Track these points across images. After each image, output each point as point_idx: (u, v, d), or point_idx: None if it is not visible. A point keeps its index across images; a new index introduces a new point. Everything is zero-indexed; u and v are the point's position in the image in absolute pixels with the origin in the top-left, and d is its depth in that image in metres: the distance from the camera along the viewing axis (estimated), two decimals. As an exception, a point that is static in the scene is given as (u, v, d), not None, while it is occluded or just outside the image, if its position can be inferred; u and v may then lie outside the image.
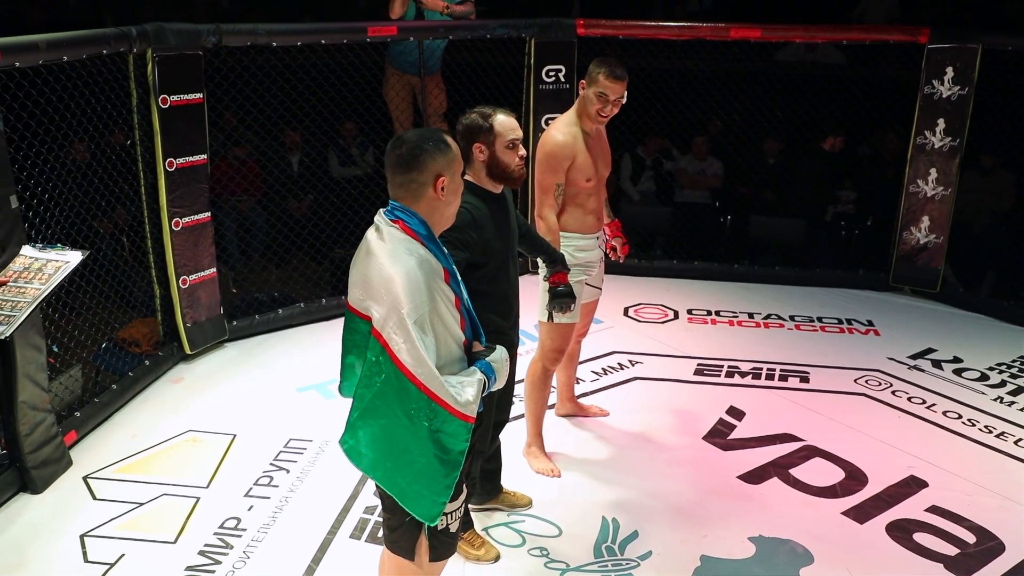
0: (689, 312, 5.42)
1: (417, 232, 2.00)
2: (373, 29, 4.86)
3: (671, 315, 5.35)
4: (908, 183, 5.56)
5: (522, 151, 2.75)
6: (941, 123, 5.34)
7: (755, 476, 3.59)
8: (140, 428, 3.87)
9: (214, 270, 4.61)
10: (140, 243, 4.42)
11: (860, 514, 3.34)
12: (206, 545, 3.08)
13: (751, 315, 5.39)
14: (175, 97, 4.19)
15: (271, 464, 3.60)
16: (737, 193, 6.75)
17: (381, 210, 2.08)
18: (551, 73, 5.56)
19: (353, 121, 6.25)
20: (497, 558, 3.01)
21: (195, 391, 4.24)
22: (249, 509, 3.29)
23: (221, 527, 3.18)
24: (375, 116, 5.73)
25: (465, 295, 2.12)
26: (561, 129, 3.32)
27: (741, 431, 3.95)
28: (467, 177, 2.69)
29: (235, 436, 3.81)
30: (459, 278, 2.11)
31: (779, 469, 3.64)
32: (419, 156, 1.99)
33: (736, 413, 4.11)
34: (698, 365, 4.64)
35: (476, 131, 2.72)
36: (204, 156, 4.42)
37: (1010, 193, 5.99)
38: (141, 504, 3.30)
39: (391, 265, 1.93)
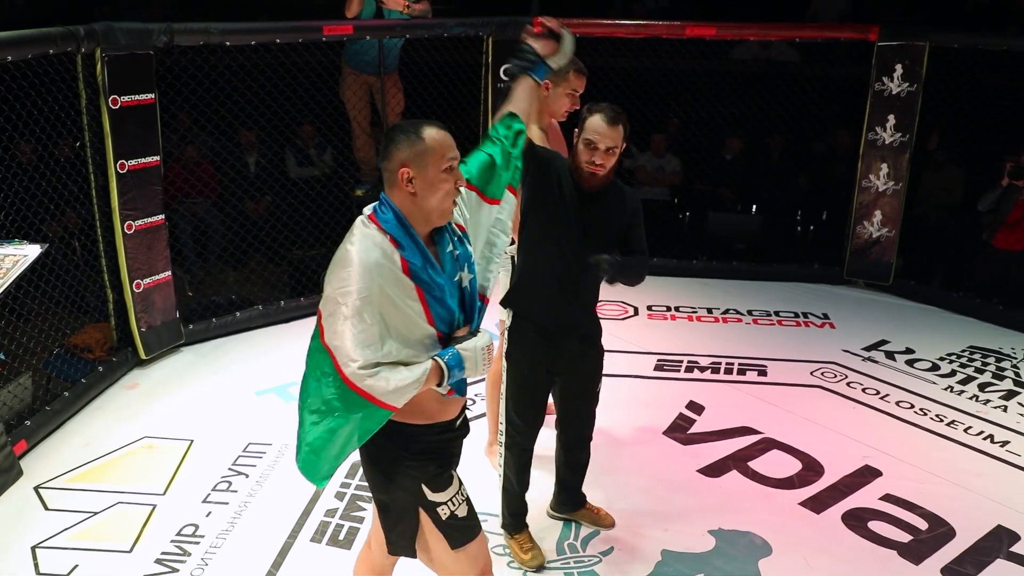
0: (649, 308, 5.46)
1: (381, 220, 1.99)
2: (328, 28, 4.82)
3: (631, 312, 5.39)
4: (860, 178, 5.67)
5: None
6: (891, 119, 5.45)
7: (715, 470, 3.63)
8: (94, 436, 3.79)
9: (169, 273, 4.53)
10: (92, 247, 4.32)
11: (817, 504, 3.40)
12: (163, 553, 3.03)
13: (710, 310, 5.45)
14: (126, 98, 4.11)
15: (230, 469, 3.55)
16: (695, 190, 6.82)
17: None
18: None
19: (310, 121, 6.18)
20: (541, 567, 2.98)
21: (151, 397, 4.17)
22: (207, 515, 3.24)
23: (178, 534, 3.13)
24: (332, 116, 5.67)
25: (443, 283, 2.02)
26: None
27: (701, 425, 3.99)
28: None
29: (192, 441, 3.75)
30: (437, 268, 2.03)
31: (738, 462, 3.68)
32: (388, 145, 2.01)
33: (696, 407, 4.16)
34: (658, 361, 4.68)
35: None
36: (157, 158, 4.34)
37: (959, 187, 6.13)
38: (95, 513, 3.23)
39: (339, 253, 1.97)
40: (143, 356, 4.44)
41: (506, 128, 2.29)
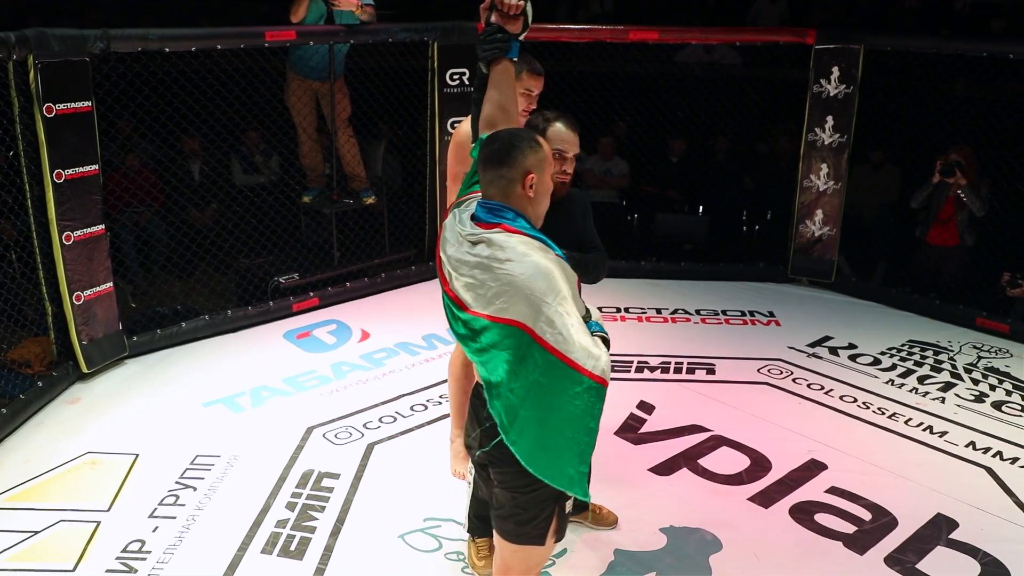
0: (599, 310, 5.41)
1: (522, 229, 2.03)
2: (271, 34, 4.76)
3: (582, 313, 5.41)
4: (802, 178, 5.80)
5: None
6: (830, 120, 5.58)
7: (665, 468, 3.67)
8: (34, 453, 3.68)
9: (111, 284, 4.42)
10: (29, 259, 4.20)
11: (765, 499, 3.46)
12: (108, 571, 2.95)
13: (659, 310, 5.51)
14: (61, 105, 4.00)
15: (176, 483, 3.48)
16: (643, 192, 6.90)
17: (462, 212, 2.10)
18: (455, 76, 5.55)
19: (256, 128, 6.10)
20: None
21: (93, 411, 4.06)
22: (154, 530, 3.17)
23: (124, 551, 3.06)
24: (278, 123, 5.60)
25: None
26: (464, 125, 3.37)
27: (651, 424, 4.03)
28: None
29: (138, 456, 3.67)
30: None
31: (688, 460, 3.73)
32: (511, 152, 2.05)
33: (646, 407, 4.20)
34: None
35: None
36: (96, 167, 4.23)
37: (896, 186, 6.30)
38: (36, 532, 3.14)
39: (522, 266, 1.95)
40: (85, 369, 4.33)
41: None
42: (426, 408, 4.13)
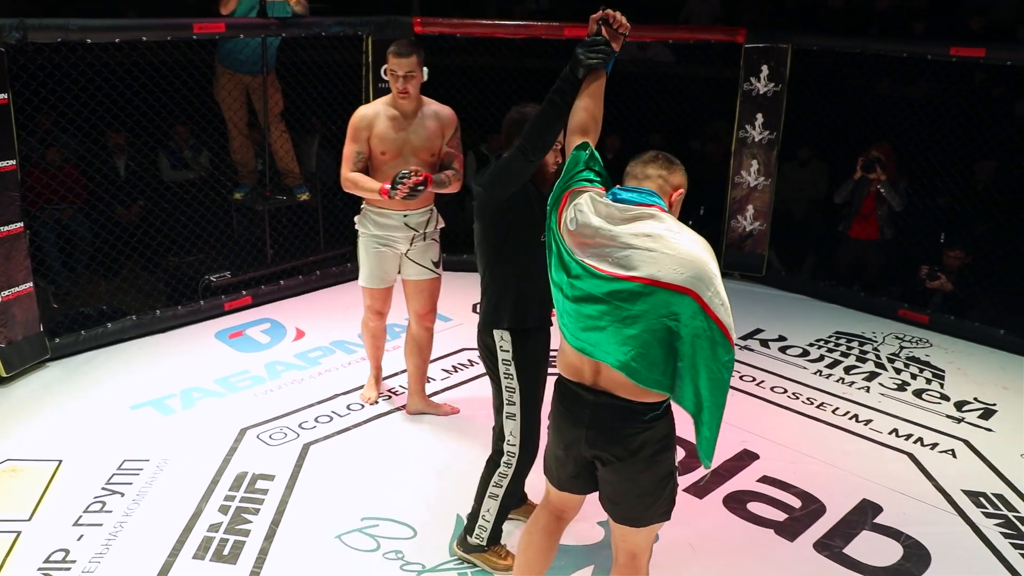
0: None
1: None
2: (199, 26, 4.63)
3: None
4: (733, 174, 5.92)
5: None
6: (760, 117, 5.71)
7: (602, 461, 3.70)
8: (-51, 461, 3.52)
9: (30, 284, 4.25)
10: (-59, 258, 4.01)
11: (699, 490, 3.52)
12: (30, 582, 2.84)
13: (595, 305, 5.55)
14: (-25, 98, 3.82)
15: (103, 488, 3.37)
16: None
17: (591, 196, 2.22)
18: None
19: (184, 123, 5.94)
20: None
21: (13, 417, 3.90)
22: (79, 539, 3.06)
23: (47, 561, 2.94)
24: (207, 117, 5.46)
25: None
26: (370, 104, 3.72)
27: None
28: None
29: (61, 462, 3.54)
30: None
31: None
32: (675, 165, 2.30)
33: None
34: (546, 357, 4.73)
35: (516, 126, 2.75)
36: (13, 162, 4.06)
37: (823, 182, 6.48)
38: (-48, 544, 3.00)
39: (692, 242, 2.14)
40: (3, 373, 4.15)
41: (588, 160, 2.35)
42: (363, 407, 4.09)
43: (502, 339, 2.75)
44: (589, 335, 2.18)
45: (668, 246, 2.10)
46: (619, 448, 2.24)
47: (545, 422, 2.54)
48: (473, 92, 6.11)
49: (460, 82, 6.03)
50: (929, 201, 5.63)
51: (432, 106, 3.69)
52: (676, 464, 2.34)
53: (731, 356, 2.14)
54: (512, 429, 2.82)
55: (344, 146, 3.66)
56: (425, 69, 3.59)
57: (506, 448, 2.85)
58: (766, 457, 3.77)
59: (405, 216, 3.72)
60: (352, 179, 3.62)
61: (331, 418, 3.98)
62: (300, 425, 3.90)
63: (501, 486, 2.89)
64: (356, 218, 3.81)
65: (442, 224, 3.85)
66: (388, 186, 3.49)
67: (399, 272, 3.83)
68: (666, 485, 2.31)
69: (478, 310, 2.91)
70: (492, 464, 2.92)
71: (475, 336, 2.91)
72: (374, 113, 3.63)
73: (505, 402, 2.79)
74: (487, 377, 2.93)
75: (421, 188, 3.45)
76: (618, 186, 2.26)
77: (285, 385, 4.29)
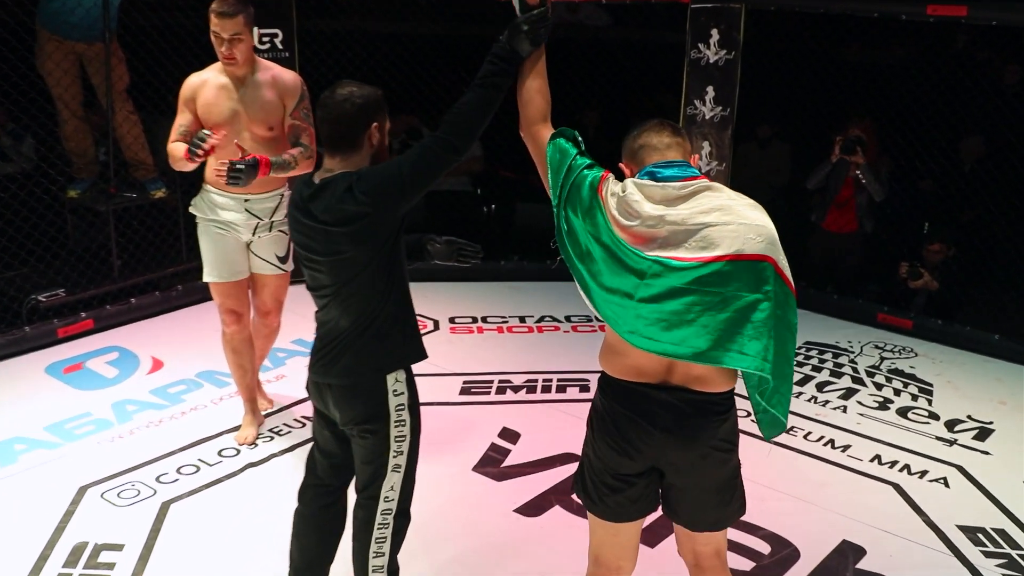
0: (451, 321, 5.48)
1: None
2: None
3: (430, 326, 5.39)
4: (682, 158, 5.98)
5: None
6: (710, 91, 5.79)
7: (534, 507, 3.68)
8: None
9: None
10: None
11: (651, 536, 3.50)
12: None
13: (522, 319, 5.56)
14: None
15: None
16: (500, 177, 6.94)
17: (624, 182, 2.34)
18: (265, 39, 5.43)
19: (1, 104, 5.70)
20: None
21: None
22: None
23: None
24: (30, 96, 5.25)
25: None
26: (199, 72, 3.77)
27: (516, 456, 4.04)
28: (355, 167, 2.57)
29: None
30: None
31: (561, 496, 3.75)
32: (681, 130, 2.47)
33: (510, 435, 4.20)
34: (464, 383, 4.70)
35: (380, 104, 2.61)
36: None
37: (786, 164, 6.63)
38: None
39: (752, 208, 2.33)
40: None
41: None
42: (238, 453, 4.00)
43: (396, 382, 2.68)
44: (674, 333, 2.28)
45: (740, 216, 2.29)
46: (702, 446, 2.41)
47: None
48: (368, 63, 6.06)
49: (379, 50, 6.00)
50: (909, 185, 5.80)
51: (271, 71, 3.77)
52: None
53: (798, 319, 2.42)
54: (394, 484, 2.75)
55: (176, 120, 3.74)
56: (256, 30, 3.61)
57: (380, 510, 2.75)
58: (729, 494, 3.79)
59: (247, 200, 3.79)
60: (169, 150, 3.68)
61: (197, 468, 3.89)
62: (158, 479, 3.80)
63: (383, 554, 2.80)
64: (192, 201, 3.89)
65: None
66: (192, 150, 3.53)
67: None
68: (738, 476, 2.57)
69: (321, 356, 2.73)
70: (363, 534, 2.81)
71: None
72: (201, 81, 3.72)
73: (392, 454, 2.72)
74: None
75: (241, 168, 3.43)
76: (652, 163, 2.38)
77: (138, 429, 4.19)
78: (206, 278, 3.91)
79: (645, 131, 2.42)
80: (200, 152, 3.47)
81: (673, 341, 2.27)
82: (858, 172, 5.74)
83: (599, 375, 2.49)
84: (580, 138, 2.50)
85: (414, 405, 2.73)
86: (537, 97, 2.53)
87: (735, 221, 2.27)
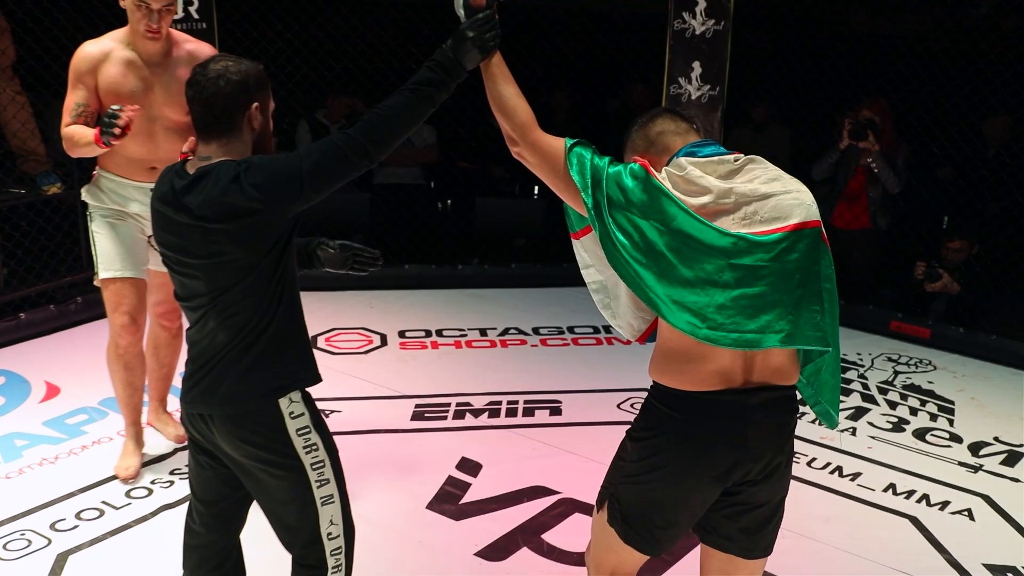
0: (401, 335, 5.47)
1: None
2: None
3: (376, 341, 5.38)
4: (665, 144, 6.00)
5: None
6: (697, 67, 5.82)
7: (499, 550, 3.67)
8: None
9: None
10: None
11: (635, 582, 3.52)
12: None
13: (483, 331, 5.56)
14: None
15: None
16: (457, 169, 6.94)
17: (700, 147, 2.45)
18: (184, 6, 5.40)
19: None
20: None
21: None
22: None
23: None
24: None
25: None
26: (96, 41, 3.71)
27: (477, 490, 4.03)
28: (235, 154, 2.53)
29: None
30: None
31: (529, 536, 3.74)
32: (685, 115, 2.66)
33: (470, 467, 4.19)
34: (416, 407, 4.69)
35: (261, 81, 2.58)
36: None
37: (786, 152, 6.68)
38: None
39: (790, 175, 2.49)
40: None
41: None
42: (150, 493, 3.96)
43: (292, 404, 2.61)
44: (759, 319, 2.36)
45: (794, 183, 2.45)
46: (790, 449, 2.52)
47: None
48: (300, 37, 6.03)
49: (313, 21, 5.97)
50: (925, 174, 5.86)
51: (186, 46, 3.77)
52: None
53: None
54: (333, 515, 2.72)
55: (67, 97, 3.69)
56: (180, 1, 3.59)
57: (330, 551, 2.72)
58: (723, 532, 3.80)
59: (153, 188, 3.69)
60: (66, 134, 3.65)
61: (101, 513, 3.84)
62: (52, 526, 3.75)
63: None
64: (84, 188, 3.88)
65: None
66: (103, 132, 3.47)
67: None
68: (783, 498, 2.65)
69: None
70: None
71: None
72: (102, 53, 3.66)
73: (315, 484, 2.67)
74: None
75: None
76: (686, 145, 2.47)
77: (29, 468, 4.15)
78: (102, 274, 3.85)
79: (655, 120, 2.52)
80: (117, 131, 3.41)
81: (758, 328, 2.35)
82: (870, 160, 5.78)
83: (655, 393, 2.49)
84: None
85: (319, 423, 2.67)
86: (521, 102, 2.55)
87: (794, 189, 2.41)
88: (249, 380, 2.54)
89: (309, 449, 2.63)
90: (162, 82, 3.70)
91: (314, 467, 2.64)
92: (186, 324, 2.65)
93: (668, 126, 2.50)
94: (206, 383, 2.55)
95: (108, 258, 3.85)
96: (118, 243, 3.84)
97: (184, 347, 4.09)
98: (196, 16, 5.46)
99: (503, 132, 2.56)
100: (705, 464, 2.42)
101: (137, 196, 3.81)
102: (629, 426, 2.64)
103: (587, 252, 2.66)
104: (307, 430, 2.62)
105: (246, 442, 2.56)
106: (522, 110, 2.54)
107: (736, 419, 2.40)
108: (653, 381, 2.49)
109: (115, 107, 3.44)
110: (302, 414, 2.62)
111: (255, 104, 2.51)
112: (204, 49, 3.77)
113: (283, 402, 2.58)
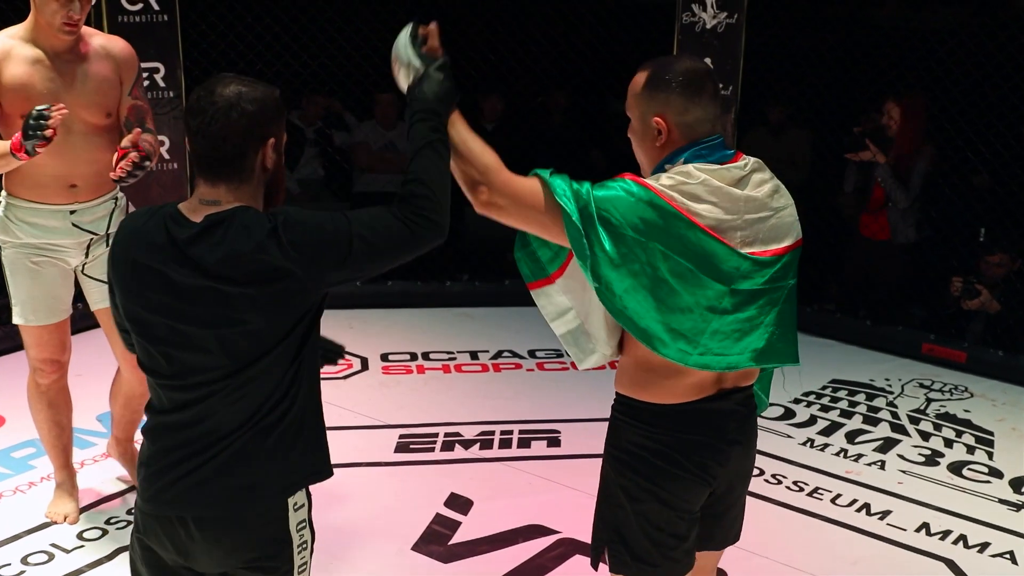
0: (384, 358, 5.48)
1: None
2: None
3: (357, 365, 5.38)
4: (674, 150, 6.02)
5: None
6: (708, 64, 5.84)
7: (490, 596, 3.67)
8: None
9: None
10: None
11: None
12: None
13: (474, 354, 5.56)
14: None
15: None
16: (444, 176, 6.92)
17: (706, 148, 2.46)
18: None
19: None
20: None
21: None
22: None
23: None
24: None
25: None
26: None
27: (468, 530, 4.02)
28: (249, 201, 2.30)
29: None
30: None
31: (526, 580, 3.74)
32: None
33: (459, 504, 4.19)
34: (401, 438, 4.69)
35: (279, 111, 2.33)
36: None
37: (806, 157, 6.69)
38: None
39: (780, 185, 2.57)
40: None
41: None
42: (104, 534, 3.95)
43: (296, 504, 2.39)
44: (743, 342, 2.47)
45: (786, 195, 2.53)
46: (755, 446, 2.73)
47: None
48: (273, 32, 6.05)
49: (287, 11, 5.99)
50: (960, 181, 5.86)
51: (97, 39, 3.69)
52: None
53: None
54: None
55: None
56: None
57: None
58: (737, 572, 3.79)
59: (73, 212, 3.68)
60: None
61: (51, 557, 3.83)
62: (-3, 571, 3.74)
63: None
64: None
65: None
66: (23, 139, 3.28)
67: (75, 298, 3.88)
68: None
69: (177, 478, 2.38)
70: None
71: None
72: (3, 51, 3.52)
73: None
74: None
75: (148, 164, 3.39)
76: (699, 142, 2.46)
77: (-29, 506, 4.12)
78: (16, 320, 3.80)
79: (701, 96, 2.45)
80: (49, 132, 3.22)
81: (739, 351, 2.46)
82: (876, 175, 5.77)
83: (630, 410, 2.53)
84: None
85: (310, 509, 2.46)
86: (485, 146, 2.47)
87: (789, 203, 2.53)
88: (264, 473, 2.31)
89: (301, 548, 2.41)
90: (79, 82, 3.58)
91: (299, 569, 2.42)
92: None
93: (708, 112, 2.46)
94: (195, 478, 2.27)
95: (21, 303, 3.76)
96: (35, 289, 3.74)
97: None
98: (156, 7, 5.47)
99: (464, 183, 2.43)
100: (696, 472, 2.54)
101: (53, 223, 3.68)
102: (604, 454, 2.64)
103: (566, 294, 2.63)
104: (303, 525, 2.40)
105: (240, 549, 2.33)
106: (488, 152, 2.45)
107: (716, 426, 2.54)
108: (624, 396, 2.56)
109: (41, 107, 3.25)
110: (303, 506, 2.40)
111: (271, 140, 2.26)
112: (115, 43, 3.71)
113: (291, 501, 2.36)
